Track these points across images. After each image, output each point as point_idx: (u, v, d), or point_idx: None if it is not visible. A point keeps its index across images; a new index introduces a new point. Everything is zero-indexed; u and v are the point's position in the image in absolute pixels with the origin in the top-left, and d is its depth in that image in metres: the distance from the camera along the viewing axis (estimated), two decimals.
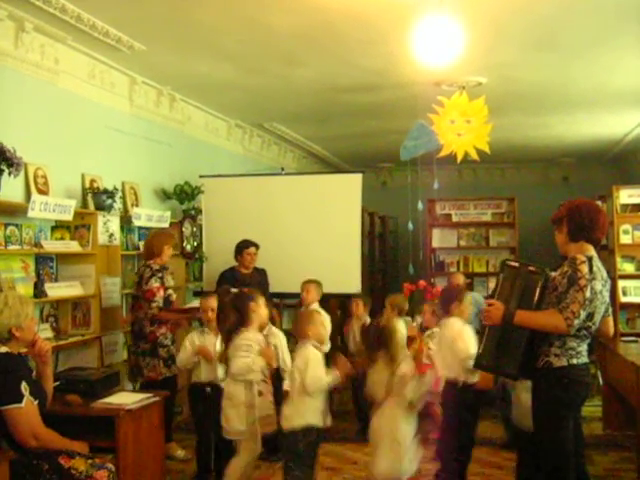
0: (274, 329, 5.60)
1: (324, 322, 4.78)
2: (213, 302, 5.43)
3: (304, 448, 4.44)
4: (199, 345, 5.33)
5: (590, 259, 3.78)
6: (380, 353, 4.42)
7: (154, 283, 6.02)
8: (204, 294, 6.36)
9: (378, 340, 4.47)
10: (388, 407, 4.35)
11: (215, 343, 5.24)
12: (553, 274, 3.89)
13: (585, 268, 3.73)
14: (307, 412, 4.44)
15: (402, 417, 4.32)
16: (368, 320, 6.59)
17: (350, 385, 6.48)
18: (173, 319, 6.15)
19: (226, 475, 4.79)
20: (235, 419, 4.69)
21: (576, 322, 3.69)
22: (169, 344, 6.07)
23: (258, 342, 4.82)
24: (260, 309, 4.91)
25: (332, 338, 5.41)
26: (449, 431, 4.85)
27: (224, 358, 4.89)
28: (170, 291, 6.22)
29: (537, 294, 3.86)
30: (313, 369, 4.42)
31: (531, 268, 3.95)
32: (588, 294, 3.70)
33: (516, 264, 4.11)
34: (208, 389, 5.24)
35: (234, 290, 5.27)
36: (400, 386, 4.30)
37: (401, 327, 4.67)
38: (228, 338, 4.81)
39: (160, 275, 6.10)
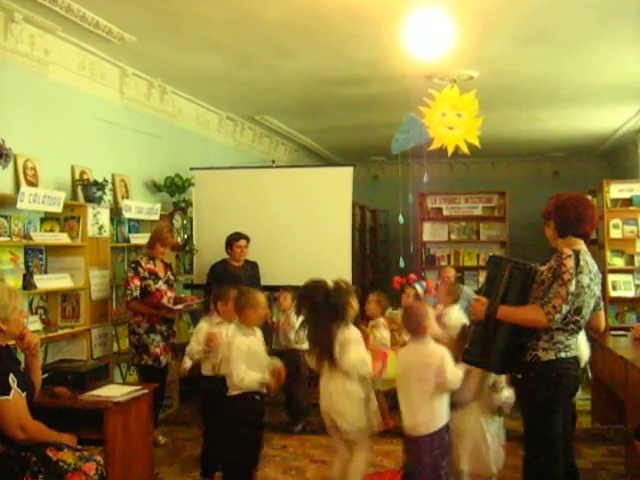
0: None
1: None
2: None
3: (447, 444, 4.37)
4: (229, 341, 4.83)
5: (577, 253, 3.78)
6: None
7: (129, 273, 6.19)
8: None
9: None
10: (474, 409, 4.44)
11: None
12: (542, 268, 3.89)
13: (570, 262, 3.73)
14: (445, 409, 4.34)
15: (486, 419, 4.44)
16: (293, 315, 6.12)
17: None
18: (143, 312, 6.13)
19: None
20: (356, 416, 4.48)
21: (557, 316, 3.69)
22: (141, 332, 6.12)
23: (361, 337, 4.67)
24: (355, 303, 4.75)
25: None
26: None
27: None
28: (150, 281, 6.20)
29: (521, 289, 3.86)
30: (451, 365, 4.26)
31: (517, 263, 3.94)
32: (572, 288, 3.70)
33: (502, 259, 4.10)
34: (257, 397, 4.76)
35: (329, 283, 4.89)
36: (491, 392, 4.42)
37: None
38: (325, 334, 4.53)
39: (134, 265, 6.21)
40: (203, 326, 5.37)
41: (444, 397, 4.30)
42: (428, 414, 4.21)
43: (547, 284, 3.76)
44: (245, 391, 4.64)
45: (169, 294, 6.35)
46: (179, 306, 6.40)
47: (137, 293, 6.12)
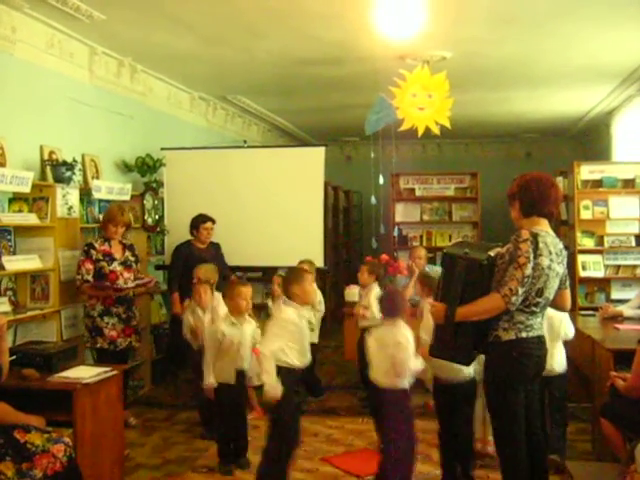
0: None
1: None
2: None
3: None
4: None
5: (535, 236, 3.76)
6: None
7: (81, 256, 6.05)
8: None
9: None
10: None
11: None
12: (502, 251, 3.86)
13: (525, 246, 3.71)
14: None
15: None
16: None
17: None
18: (95, 294, 6.04)
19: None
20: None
21: (514, 299, 3.69)
22: (95, 315, 6.04)
23: None
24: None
25: None
26: None
27: None
28: (104, 263, 6.06)
29: (480, 283, 3.82)
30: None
31: (470, 259, 3.87)
32: (528, 272, 3.69)
33: (454, 256, 3.97)
34: None
35: None
36: None
37: None
38: None
39: (86, 249, 6.07)
40: None
41: None
42: None
43: (504, 267, 3.77)
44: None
45: (125, 275, 6.16)
46: (129, 285, 6.16)
47: (89, 277, 5.99)
